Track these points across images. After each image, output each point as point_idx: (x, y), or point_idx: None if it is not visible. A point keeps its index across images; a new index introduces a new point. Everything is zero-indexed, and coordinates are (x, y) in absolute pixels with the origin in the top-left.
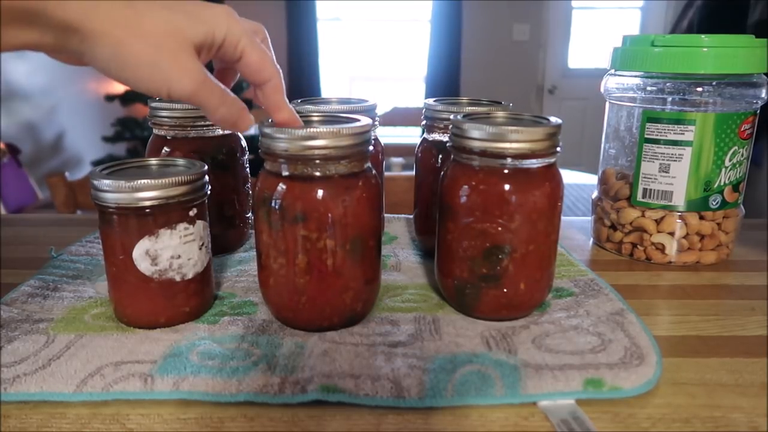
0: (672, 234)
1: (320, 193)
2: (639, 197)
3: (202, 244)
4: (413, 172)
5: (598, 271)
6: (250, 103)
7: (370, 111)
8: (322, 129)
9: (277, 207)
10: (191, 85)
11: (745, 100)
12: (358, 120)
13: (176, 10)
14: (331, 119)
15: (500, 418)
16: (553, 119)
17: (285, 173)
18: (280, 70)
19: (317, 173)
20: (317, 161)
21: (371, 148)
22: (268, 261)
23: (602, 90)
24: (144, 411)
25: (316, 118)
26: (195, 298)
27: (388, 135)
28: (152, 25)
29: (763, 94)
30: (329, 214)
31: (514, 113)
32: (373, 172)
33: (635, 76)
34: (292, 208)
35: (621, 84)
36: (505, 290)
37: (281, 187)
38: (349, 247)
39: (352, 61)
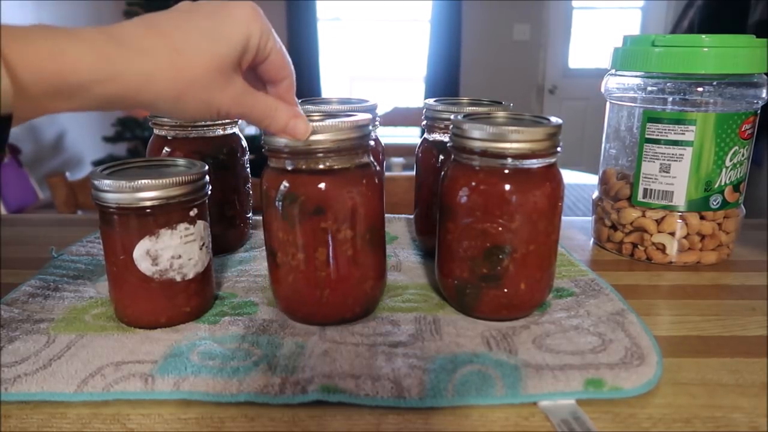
0: (672, 234)
1: (334, 184)
2: (639, 197)
3: (203, 244)
4: (413, 173)
5: (599, 271)
6: None
7: (370, 111)
8: (326, 123)
9: (294, 203)
10: (236, 109)
11: (745, 100)
12: (357, 114)
13: (212, 34)
14: (331, 117)
15: (501, 418)
16: (554, 119)
17: (322, 166)
18: (293, 68)
19: (331, 165)
20: (322, 154)
21: (372, 143)
22: (285, 259)
23: (603, 90)
24: (145, 411)
25: (316, 117)
26: (195, 298)
27: (388, 135)
28: (199, 65)
29: (764, 94)
30: (348, 205)
31: (514, 113)
32: (376, 165)
33: (636, 76)
34: (311, 202)
35: (621, 84)
36: (505, 290)
37: (287, 183)
38: (369, 236)
39: (352, 61)
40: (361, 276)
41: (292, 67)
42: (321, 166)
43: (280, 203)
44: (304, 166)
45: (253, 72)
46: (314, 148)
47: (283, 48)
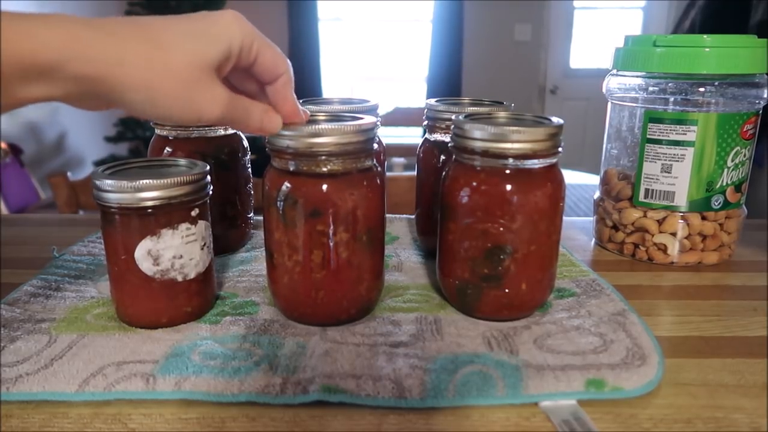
0: (674, 234)
1: (334, 187)
2: (641, 197)
3: (204, 244)
4: (415, 173)
5: (600, 271)
6: None
7: (372, 111)
8: (330, 126)
9: (293, 204)
10: (219, 111)
11: (747, 101)
12: (363, 118)
13: (195, 34)
14: (336, 119)
15: (501, 418)
16: (555, 119)
17: (324, 169)
18: (290, 63)
19: (333, 168)
20: (325, 157)
21: (376, 145)
22: (281, 259)
23: (604, 90)
24: (146, 411)
25: (321, 118)
26: (197, 298)
27: (389, 135)
28: (178, 60)
29: (765, 95)
30: (345, 208)
31: (515, 113)
32: (379, 168)
33: (637, 77)
34: (308, 204)
35: (623, 84)
36: (506, 290)
37: (288, 184)
38: (366, 238)
39: (353, 62)
40: (357, 278)
41: (289, 65)
42: (323, 169)
43: (280, 204)
44: (305, 168)
45: (247, 73)
46: (317, 151)
47: (276, 48)
